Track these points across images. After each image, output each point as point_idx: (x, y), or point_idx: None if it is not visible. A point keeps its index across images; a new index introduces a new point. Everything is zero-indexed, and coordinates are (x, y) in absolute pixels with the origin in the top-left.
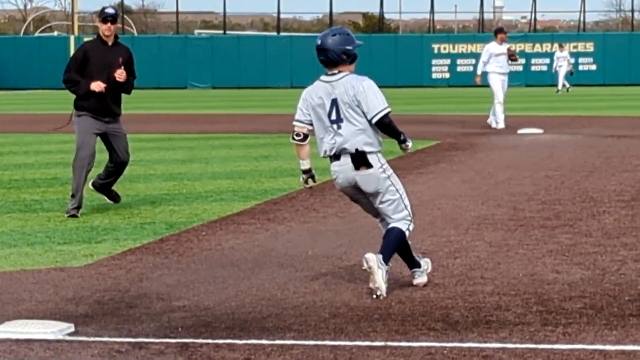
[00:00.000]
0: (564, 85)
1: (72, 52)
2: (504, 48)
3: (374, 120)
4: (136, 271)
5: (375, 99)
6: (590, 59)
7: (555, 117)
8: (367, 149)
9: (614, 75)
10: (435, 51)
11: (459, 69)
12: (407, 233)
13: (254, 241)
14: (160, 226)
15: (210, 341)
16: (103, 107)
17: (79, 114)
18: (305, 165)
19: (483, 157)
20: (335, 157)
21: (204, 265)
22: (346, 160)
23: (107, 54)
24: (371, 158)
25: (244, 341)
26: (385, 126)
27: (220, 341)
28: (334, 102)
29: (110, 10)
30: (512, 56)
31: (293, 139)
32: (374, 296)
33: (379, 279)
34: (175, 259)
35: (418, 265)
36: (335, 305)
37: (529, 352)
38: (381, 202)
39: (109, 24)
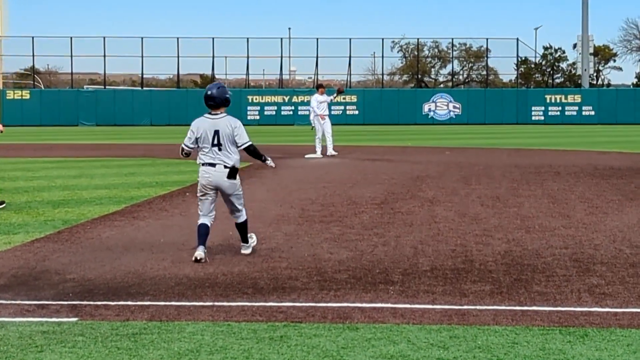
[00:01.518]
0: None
1: None
2: (325, 97)
3: (241, 148)
4: (41, 254)
5: (244, 135)
6: (354, 107)
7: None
8: (237, 165)
9: (371, 117)
10: (250, 101)
11: (265, 113)
12: (246, 219)
13: (123, 233)
14: (58, 222)
15: (92, 303)
16: None
17: None
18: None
19: (282, 173)
20: (211, 165)
21: (88, 249)
22: (220, 169)
23: None
24: (237, 174)
25: (115, 302)
26: (250, 152)
27: (99, 303)
28: (217, 132)
29: None
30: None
31: (183, 156)
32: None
33: (250, 248)
34: (68, 245)
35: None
36: (179, 277)
37: (311, 309)
38: (232, 198)
39: None
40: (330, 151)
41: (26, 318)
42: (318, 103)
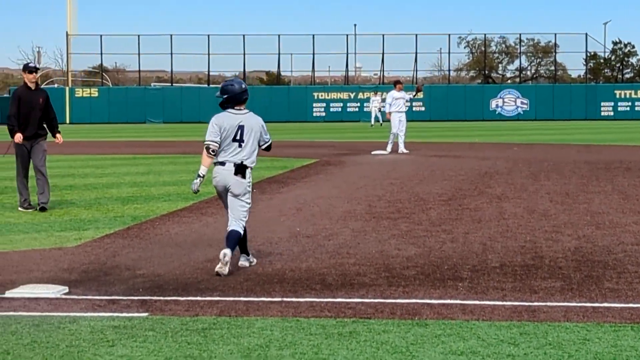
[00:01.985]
0: (377, 121)
1: (67, 99)
2: (402, 94)
3: (265, 146)
4: (111, 250)
5: (267, 133)
6: (421, 103)
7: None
8: (250, 165)
9: (436, 114)
10: (315, 97)
11: (331, 109)
12: (241, 232)
13: (191, 229)
14: (127, 218)
15: (161, 298)
16: (31, 135)
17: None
18: (204, 172)
19: (348, 170)
20: (221, 164)
21: (157, 245)
22: (229, 167)
23: (32, 96)
24: (247, 172)
25: (184, 298)
26: (268, 147)
27: (169, 298)
28: (241, 128)
29: (33, 64)
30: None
31: (210, 153)
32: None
33: (226, 267)
34: (138, 241)
35: (247, 254)
36: (247, 273)
37: (380, 305)
38: (237, 200)
39: (34, 74)
40: (402, 149)
41: (97, 313)
42: (393, 99)
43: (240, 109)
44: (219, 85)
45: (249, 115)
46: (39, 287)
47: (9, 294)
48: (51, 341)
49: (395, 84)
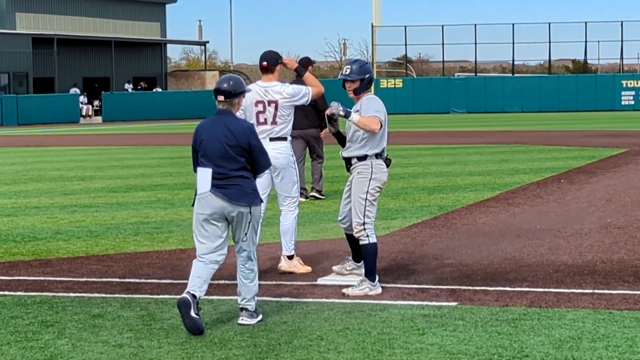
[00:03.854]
0: None
1: (372, 89)
2: None
3: None
4: (418, 239)
5: None
6: None
7: None
8: None
9: None
10: (624, 85)
11: None
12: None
13: (498, 219)
14: (434, 208)
15: (470, 288)
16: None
17: None
18: (355, 120)
19: None
20: (381, 157)
21: (465, 235)
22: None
23: None
24: None
25: (493, 288)
26: None
27: (478, 288)
28: None
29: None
30: None
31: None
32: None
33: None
34: (445, 231)
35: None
36: (557, 264)
37: None
38: None
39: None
40: None
41: (407, 301)
42: None
43: None
44: (523, 75)
45: None
46: (350, 275)
47: (321, 281)
48: (363, 328)
49: None
